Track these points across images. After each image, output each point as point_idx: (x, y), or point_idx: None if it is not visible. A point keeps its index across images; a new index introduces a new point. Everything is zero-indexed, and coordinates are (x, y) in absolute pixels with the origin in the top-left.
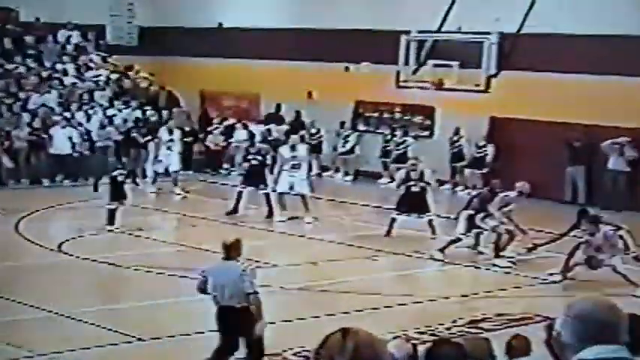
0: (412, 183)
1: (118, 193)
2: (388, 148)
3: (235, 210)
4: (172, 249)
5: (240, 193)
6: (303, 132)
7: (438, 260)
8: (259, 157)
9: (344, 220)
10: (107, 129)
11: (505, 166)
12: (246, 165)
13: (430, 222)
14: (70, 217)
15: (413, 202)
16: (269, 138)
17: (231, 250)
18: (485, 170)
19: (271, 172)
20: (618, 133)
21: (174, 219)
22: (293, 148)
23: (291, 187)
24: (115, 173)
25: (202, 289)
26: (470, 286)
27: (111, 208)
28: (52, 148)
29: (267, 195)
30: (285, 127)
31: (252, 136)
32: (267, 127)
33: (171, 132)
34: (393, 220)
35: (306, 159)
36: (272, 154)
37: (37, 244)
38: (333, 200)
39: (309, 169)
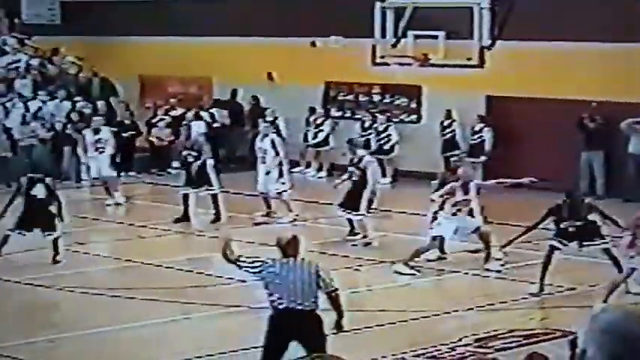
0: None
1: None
2: (368, 137)
3: (186, 216)
4: (114, 265)
5: (185, 197)
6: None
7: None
8: (194, 153)
9: (319, 223)
10: (31, 125)
11: (507, 154)
12: (176, 163)
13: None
14: None
15: (347, 194)
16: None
17: (289, 249)
18: (483, 159)
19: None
20: None
21: (116, 230)
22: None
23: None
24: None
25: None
26: (473, 298)
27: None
28: None
29: (213, 196)
30: (225, 112)
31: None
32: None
33: (97, 131)
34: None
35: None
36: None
37: None
38: (304, 200)
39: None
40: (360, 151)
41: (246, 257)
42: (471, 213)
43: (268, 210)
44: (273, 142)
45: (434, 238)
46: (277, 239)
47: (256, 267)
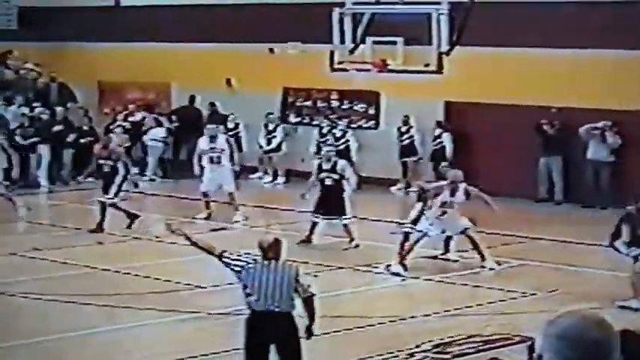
0: (325, 175)
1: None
2: (325, 143)
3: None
4: (72, 272)
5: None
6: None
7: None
8: (110, 162)
9: (274, 229)
10: None
11: (466, 160)
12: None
13: (346, 226)
14: None
15: (326, 200)
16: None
17: (270, 251)
18: (444, 164)
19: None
20: (598, 116)
21: (73, 235)
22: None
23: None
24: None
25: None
26: (434, 303)
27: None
28: None
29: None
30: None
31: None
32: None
33: None
34: (314, 224)
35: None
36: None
37: None
38: (261, 206)
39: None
40: (334, 158)
41: (231, 253)
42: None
43: (209, 211)
44: (228, 141)
45: (422, 233)
46: (259, 241)
47: (238, 265)
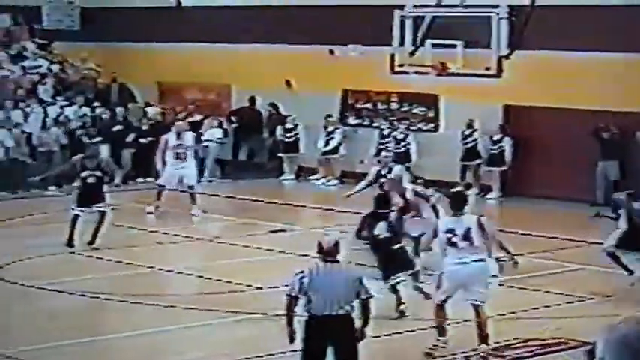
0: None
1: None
2: (386, 145)
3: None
4: (129, 271)
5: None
6: (279, 128)
7: None
8: (98, 174)
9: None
10: (52, 130)
11: (524, 164)
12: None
13: None
14: (7, 236)
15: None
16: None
17: (330, 254)
18: (503, 168)
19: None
20: None
21: (132, 236)
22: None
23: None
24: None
25: (295, 297)
26: (491, 307)
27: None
28: None
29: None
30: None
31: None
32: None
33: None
34: None
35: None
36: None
37: None
38: (319, 208)
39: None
40: (390, 163)
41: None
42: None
43: (158, 203)
44: (195, 139)
45: None
46: (319, 244)
47: (299, 273)
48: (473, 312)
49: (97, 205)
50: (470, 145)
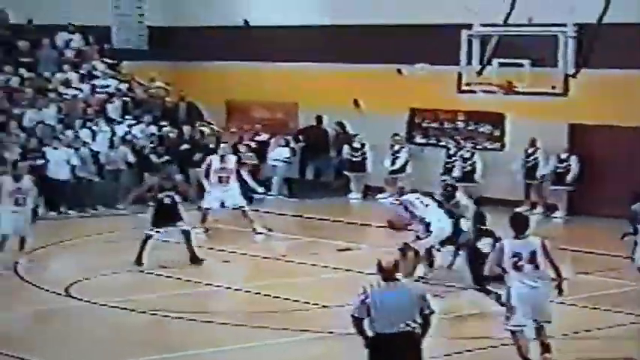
0: None
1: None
2: (453, 164)
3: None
4: (195, 289)
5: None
6: (345, 147)
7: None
8: (171, 193)
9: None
10: (120, 149)
11: (590, 183)
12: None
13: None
14: (75, 255)
15: None
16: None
17: (391, 273)
18: (569, 188)
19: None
20: None
21: (201, 254)
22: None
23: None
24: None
25: (360, 318)
26: (553, 326)
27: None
28: (49, 173)
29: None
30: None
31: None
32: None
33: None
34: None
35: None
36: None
37: (40, 288)
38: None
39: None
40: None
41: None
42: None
43: (206, 226)
44: (237, 162)
45: None
46: (379, 263)
47: (361, 294)
48: (534, 332)
49: (178, 224)
50: (532, 164)
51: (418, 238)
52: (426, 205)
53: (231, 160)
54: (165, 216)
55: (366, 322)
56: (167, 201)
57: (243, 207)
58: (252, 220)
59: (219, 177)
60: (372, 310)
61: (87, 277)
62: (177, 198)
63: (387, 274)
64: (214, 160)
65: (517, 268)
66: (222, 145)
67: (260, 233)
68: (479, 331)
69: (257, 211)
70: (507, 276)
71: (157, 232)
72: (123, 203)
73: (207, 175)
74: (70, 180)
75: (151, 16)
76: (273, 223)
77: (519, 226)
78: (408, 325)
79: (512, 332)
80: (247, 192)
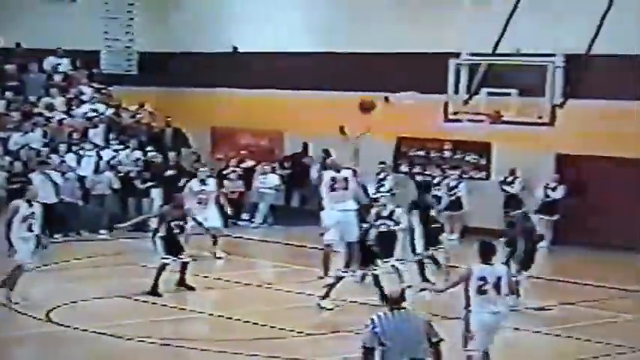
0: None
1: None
2: (438, 193)
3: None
4: (183, 316)
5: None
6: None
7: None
8: (181, 223)
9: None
10: (105, 174)
11: (576, 212)
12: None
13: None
14: (59, 280)
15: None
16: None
17: (397, 302)
18: (556, 217)
19: None
20: None
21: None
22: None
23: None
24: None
25: (371, 349)
26: (540, 357)
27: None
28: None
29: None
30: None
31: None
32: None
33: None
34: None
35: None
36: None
37: (21, 313)
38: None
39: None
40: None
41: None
42: None
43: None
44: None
45: None
46: (388, 293)
47: (369, 324)
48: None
49: (182, 254)
50: (510, 193)
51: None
52: None
53: (211, 183)
54: (176, 244)
55: (377, 354)
56: (177, 230)
57: (218, 228)
58: (216, 244)
59: (200, 199)
60: (384, 340)
61: (67, 302)
62: (187, 227)
63: (393, 303)
64: (194, 183)
65: (482, 292)
66: (200, 169)
67: (220, 258)
68: None
69: (241, 237)
70: (472, 300)
71: (174, 260)
72: (122, 226)
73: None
74: (56, 204)
75: (140, 42)
76: (260, 250)
77: (486, 253)
78: (418, 353)
79: (469, 357)
80: (224, 216)
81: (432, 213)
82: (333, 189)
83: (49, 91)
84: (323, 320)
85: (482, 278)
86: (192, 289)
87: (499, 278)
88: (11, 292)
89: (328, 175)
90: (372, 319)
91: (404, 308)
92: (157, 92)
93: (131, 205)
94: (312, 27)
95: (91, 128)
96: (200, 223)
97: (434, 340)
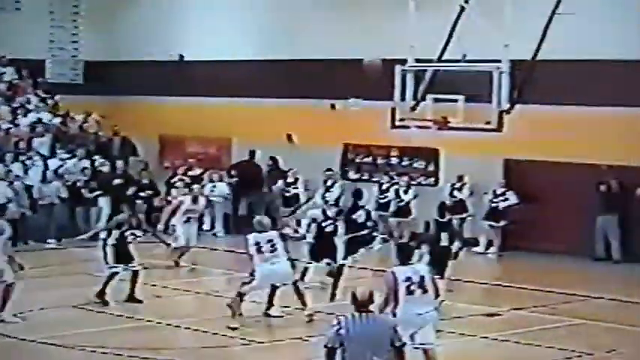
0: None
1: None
2: (386, 199)
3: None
4: (131, 324)
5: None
6: (280, 182)
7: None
8: (137, 232)
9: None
10: (53, 183)
11: (524, 218)
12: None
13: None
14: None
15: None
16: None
17: (364, 305)
18: (504, 223)
19: None
20: None
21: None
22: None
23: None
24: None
25: (333, 349)
26: None
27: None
28: None
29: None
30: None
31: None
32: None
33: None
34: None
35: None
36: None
37: None
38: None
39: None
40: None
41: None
42: None
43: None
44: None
45: None
46: (353, 295)
47: (335, 325)
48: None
49: (133, 263)
50: (457, 199)
51: None
52: None
53: (202, 202)
54: (127, 253)
55: (339, 354)
56: (130, 238)
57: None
58: (183, 255)
59: (189, 217)
60: (346, 342)
61: (15, 313)
62: (139, 234)
63: (360, 306)
64: (187, 200)
65: (410, 292)
66: (193, 187)
67: (186, 267)
68: None
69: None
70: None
71: (125, 269)
72: (85, 236)
73: (173, 214)
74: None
75: (86, 50)
76: (207, 258)
77: (404, 256)
78: (379, 357)
79: None
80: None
81: (360, 220)
82: (260, 251)
83: None
84: (272, 329)
85: (408, 279)
86: (139, 302)
87: (422, 277)
88: None
89: (253, 238)
90: (339, 321)
91: (371, 311)
92: (104, 101)
93: (79, 215)
94: (256, 35)
95: (37, 137)
96: (163, 241)
97: (397, 344)
